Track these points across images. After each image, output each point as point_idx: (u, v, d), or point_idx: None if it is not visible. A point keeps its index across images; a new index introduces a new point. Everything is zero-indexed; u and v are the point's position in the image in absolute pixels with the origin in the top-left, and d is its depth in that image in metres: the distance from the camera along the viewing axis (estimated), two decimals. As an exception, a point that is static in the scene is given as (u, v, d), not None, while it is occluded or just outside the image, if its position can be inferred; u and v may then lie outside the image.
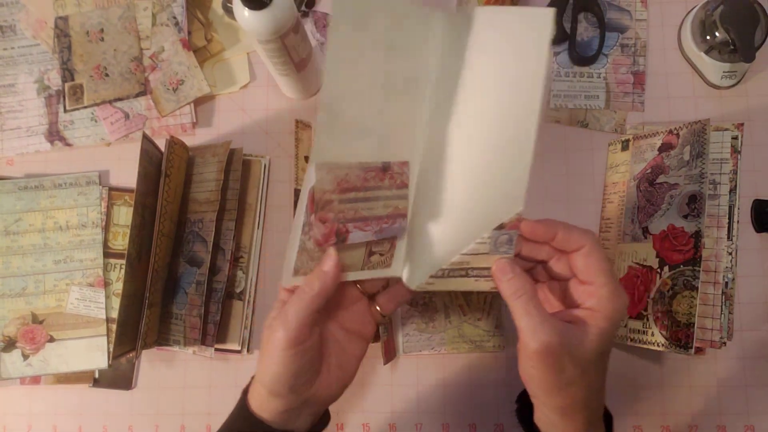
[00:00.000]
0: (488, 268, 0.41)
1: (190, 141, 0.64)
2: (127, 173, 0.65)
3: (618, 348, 0.60)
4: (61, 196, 0.63)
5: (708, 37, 0.60)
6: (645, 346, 0.54)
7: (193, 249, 0.59)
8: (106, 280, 0.62)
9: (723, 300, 0.54)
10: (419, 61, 0.41)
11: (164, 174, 0.56)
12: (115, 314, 0.60)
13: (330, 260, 0.40)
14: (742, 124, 0.57)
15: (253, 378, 0.46)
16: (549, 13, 0.38)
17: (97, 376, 0.62)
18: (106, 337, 0.61)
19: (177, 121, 0.65)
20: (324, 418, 0.48)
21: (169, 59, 0.65)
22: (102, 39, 0.65)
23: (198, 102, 0.65)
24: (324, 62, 0.37)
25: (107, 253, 0.62)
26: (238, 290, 0.61)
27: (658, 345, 0.52)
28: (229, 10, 0.66)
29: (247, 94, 0.66)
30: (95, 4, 0.66)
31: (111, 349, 0.60)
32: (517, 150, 0.39)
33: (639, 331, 0.54)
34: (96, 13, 0.66)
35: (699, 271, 0.51)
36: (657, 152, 0.57)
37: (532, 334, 0.37)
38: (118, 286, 0.62)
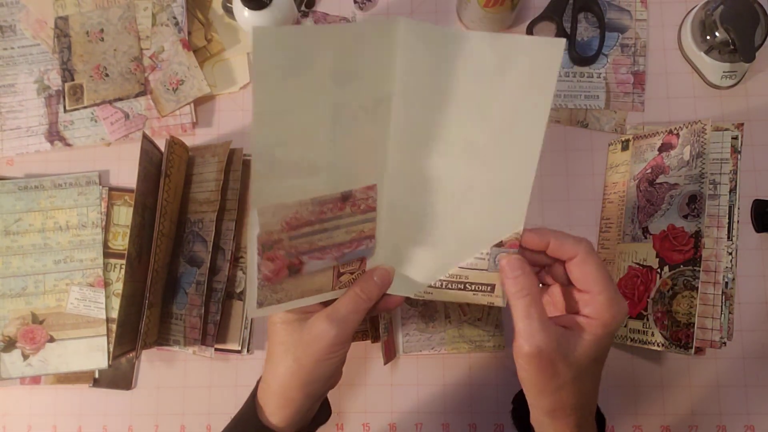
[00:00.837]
0: (487, 284, 0.41)
1: (190, 141, 0.64)
2: (127, 173, 0.65)
3: (618, 348, 0.60)
4: (61, 196, 0.63)
5: (708, 37, 0.60)
6: (645, 346, 0.54)
7: (193, 249, 0.59)
8: (106, 280, 0.62)
9: (723, 300, 0.54)
10: (379, 82, 0.38)
11: (164, 174, 0.56)
12: (115, 314, 0.60)
13: (384, 270, 0.42)
14: (742, 124, 0.57)
15: (259, 383, 0.46)
16: (559, 45, 0.36)
17: (97, 376, 0.62)
18: (106, 337, 0.61)
19: (177, 121, 0.65)
20: (325, 409, 0.48)
21: (169, 59, 0.65)
22: (102, 39, 0.65)
23: (198, 102, 0.65)
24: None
25: (107, 253, 0.62)
26: (238, 290, 0.61)
27: (658, 345, 0.52)
28: (229, 10, 0.66)
29: (247, 94, 0.66)
30: (95, 5, 0.66)
31: (111, 349, 0.60)
32: (517, 176, 0.39)
33: (639, 331, 0.54)
34: (96, 13, 0.66)
35: (699, 271, 0.51)
36: (657, 152, 0.57)
37: (528, 338, 0.37)
38: (118, 286, 0.62)
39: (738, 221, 0.55)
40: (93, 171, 0.64)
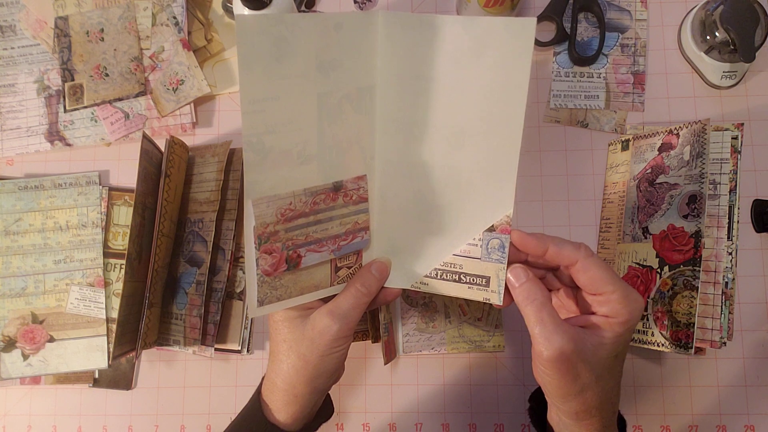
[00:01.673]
0: (481, 277, 0.41)
1: (190, 141, 0.64)
2: (127, 173, 0.65)
3: (618, 348, 0.60)
4: (61, 196, 0.63)
5: (708, 37, 0.60)
6: (645, 346, 0.54)
7: (193, 249, 0.59)
8: (106, 280, 0.62)
9: (723, 300, 0.54)
10: (362, 72, 0.39)
11: (164, 174, 0.56)
12: (115, 314, 0.60)
13: (382, 264, 0.42)
14: (742, 124, 0.57)
15: (263, 382, 0.46)
16: (530, 24, 0.37)
17: (97, 376, 0.62)
18: (106, 337, 0.61)
19: (177, 121, 0.65)
20: (327, 405, 0.48)
21: (169, 59, 0.65)
22: (102, 39, 0.65)
23: (198, 102, 0.65)
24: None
25: (107, 253, 0.62)
26: (238, 290, 0.61)
27: (658, 345, 0.52)
28: (229, 10, 0.66)
29: (247, 94, 0.66)
30: (95, 4, 0.66)
31: (111, 349, 0.60)
32: (502, 157, 0.39)
33: (639, 331, 0.54)
34: (96, 13, 0.66)
35: (699, 271, 0.51)
36: (657, 152, 0.57)
37: (545, 342, 0.37)
38: (118, 286, 0.62)
39: (738, 221, 0.55)
40: (93, 171, 0.64)
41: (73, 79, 0.65)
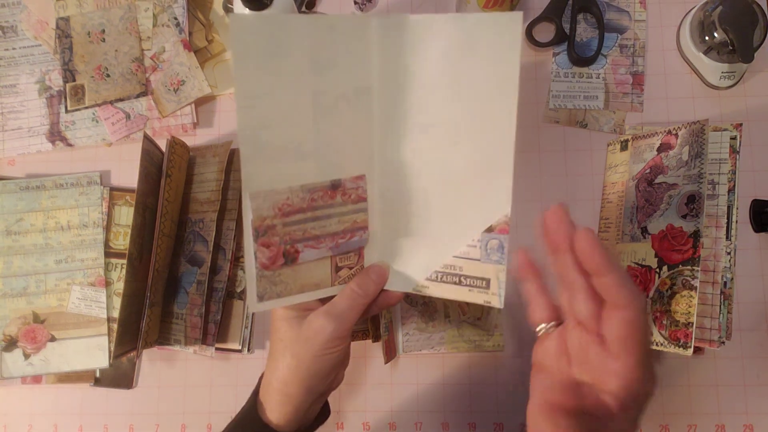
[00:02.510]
0: (481, 279, 0.41)
1: (190, 141, 0.65)
2: (128, 173, 0.65)
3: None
4: (62, 196, 0.63)
5: (707, 38, 0.60)
6: (644, 346, 0.54)
7: (193, 249, 0.60)
8: (107, 279, 0.62)
9: (722, 299, 0.54)
10: (358, 73, 0.40)
11: (165, 174, 0.57)
12: (116, 314, 0.60)
13: (379, 267, 0.42)
14: (741, 125, 0.57)
15: (261, 381, 0.46)
16: (517, 18, 0.37)
17: (98, 375, 0.62)
18: (107, 337, 0.61)
19: (178, 121, 0.65)
20: (325, 409, 0.48)
21: (170, 60, 0.65)
22: (103, 40, 0.66)
23: (199, 102, 0.66)
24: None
25: (108, 253, 0.63)
26: (238, 290, 0.61)
27: (657, 344, 0.53)
28: (229, 11, 0.66)
29: (247, 95, 0.66)
30: (96, 5, 0.66)
31: (112, 349, 0.60)
32: (497, 154, 0.39)
33: (638, 330, 0.54)
34: (97, 14, 0.66)
35: (698, 270, 0.51)
36: (656, 152, 0.58)
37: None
38: (119, 286, 0.62)
39: (736, 221, 0.56)
40: (94, 171, 0.64)
41: (74, 80, 0.65)
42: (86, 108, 0.65)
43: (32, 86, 0.66)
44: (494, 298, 0.42)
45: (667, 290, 0.53)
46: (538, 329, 0.39)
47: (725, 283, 0.54)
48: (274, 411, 0.43)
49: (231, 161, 0.61)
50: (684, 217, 0.53)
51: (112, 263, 0.63)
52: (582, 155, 0.64)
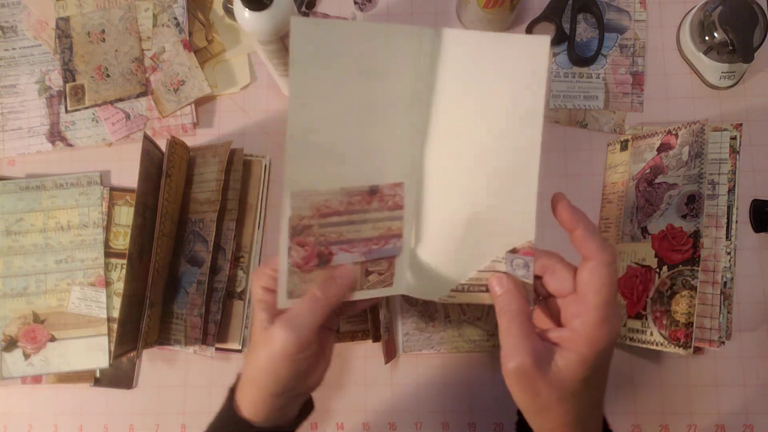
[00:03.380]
0: None
1: (190, 141, 0.65)
2: (128, 173, 0.65)
3: (617, 347, 0.60)
4: (62, 196, 0.63)
5: (707, 38, 0.60)
6: (644, 346, 0.54)
7: (193, 249, 0.60)
8: (107, 279, 0.62)
9: (722, 299, 0.54)
10: (407, 82, 0.40)
11: (165, 174, 0.57)
12: (116, 314, 0.60)
13: (346, 269, 0.41)
14: (741, 125, 0.57)
15: (239, 378, 0.46)
16: (545, 42, 0.38)
17: (98, 375, 0.62)
18: (107, 337, 0.61)
19: (178, 121, 0.65)
20: (308, 404, 0.48)
21: (170, 60, 0.65)
22: (103, 40, 0.66)
23: (199, 102, 0.66)
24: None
25: (108, 253, 0.63)
26: (238, 290, 0.61)
27: (657, 344, 0.53)
28: (229, 11, 0.66)
29: (247, 95, 0.66)
30: (96, 5, 0.66)
31: (112, 349, 0.60)
32: (521, 177, 0.40)
33: (638, 330, 0.54)
34: (97, 14, 0.66)
35: (698, 270, 0.51)
36: (656, 152, 0.58)
37: (508, 353, 0.36)
38: (119, 286, 0.62)
39: (736, 221, 0.56)
40: (94, 171, 0.64)
41: (74, 80, 0.65)
42: (86, 108, 0.65)
43: (32, 86, 0.66)
44: None
45: (667, 290, 0.53)
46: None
47: (725, 283, 0.54)
48: (256, 410, 0.43)
49: (231, 161, 0.61)
50: (684, 217, 0.53)
51: (112, 263, 0.63)
52: (582, 155, 0.64)
